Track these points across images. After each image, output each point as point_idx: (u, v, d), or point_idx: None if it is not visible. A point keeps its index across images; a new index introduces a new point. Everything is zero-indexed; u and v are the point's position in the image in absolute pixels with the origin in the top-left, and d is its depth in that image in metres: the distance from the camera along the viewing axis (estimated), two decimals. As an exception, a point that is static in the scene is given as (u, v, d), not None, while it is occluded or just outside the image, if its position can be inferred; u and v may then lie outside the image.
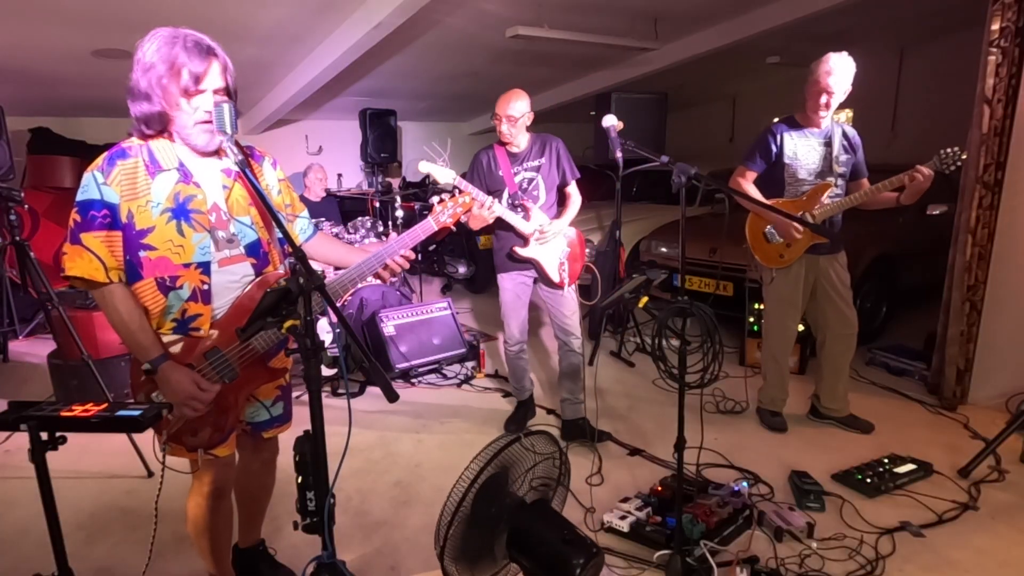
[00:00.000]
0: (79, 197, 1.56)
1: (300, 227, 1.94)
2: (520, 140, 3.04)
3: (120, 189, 1.56)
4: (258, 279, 1.73)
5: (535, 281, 3.19)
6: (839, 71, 2.86)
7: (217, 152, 1.67)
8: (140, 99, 1.55)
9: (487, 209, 2.72)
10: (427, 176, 3.08)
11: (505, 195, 3.05)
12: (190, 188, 1.63)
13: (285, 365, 1.92)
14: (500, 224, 3.04)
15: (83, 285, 1.60)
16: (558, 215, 3.12)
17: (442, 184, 2.74)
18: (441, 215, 1.97)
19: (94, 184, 1.55)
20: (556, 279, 3.09)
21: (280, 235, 1.72)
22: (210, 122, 1.57)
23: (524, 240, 3.03)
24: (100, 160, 1.58)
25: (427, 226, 1.92)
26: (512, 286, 3.18)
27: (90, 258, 1.56)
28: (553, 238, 3.04)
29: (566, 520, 1.82)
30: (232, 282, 1.70)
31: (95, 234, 1.55)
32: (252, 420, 1.89)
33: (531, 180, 3.08)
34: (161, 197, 1.59)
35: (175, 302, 1.63)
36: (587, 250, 3.50)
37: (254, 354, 1.70)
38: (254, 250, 1.74)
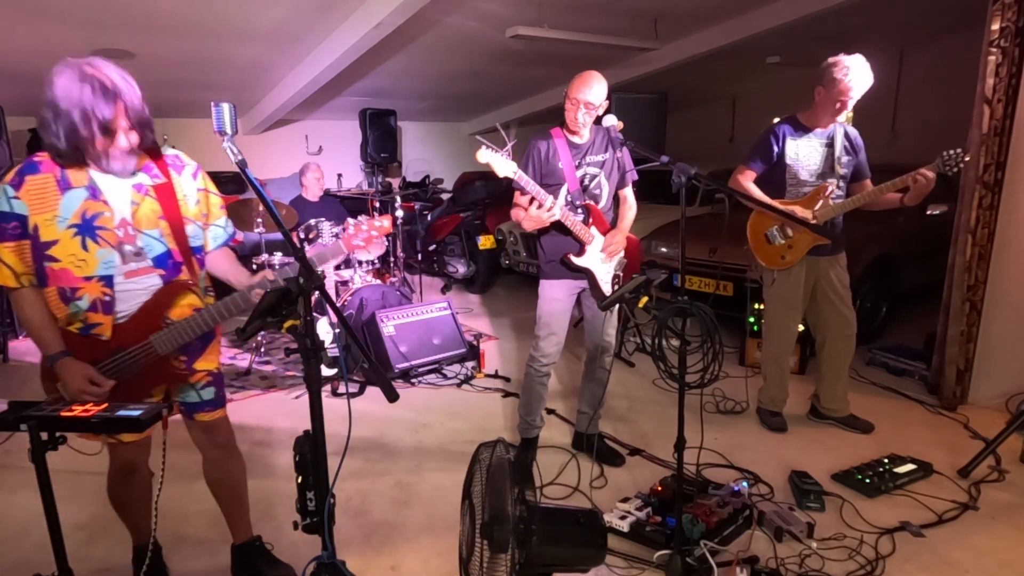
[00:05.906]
0: None
1: (213, 235, 1.97)
2: (585, 130, 2.74)
3: (29, 201, 1.65)
4: (166, 285, 1.80)
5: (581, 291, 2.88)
6: (864, 77, 2.84)
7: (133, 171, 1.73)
8: (51, 136, 1.60)
9: (547, 211, 2.48)
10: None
11: (563, 192, 2.66)
12: (98, 205, 1.70)
13: (209, 367, 1.96)
14: (553, 225, 2.71)
15: None
16: (613, 222, 2.85)
17: (500, 176, 2.47)
18: (354, 239, 1.92)
19: (4, 198, 1.64)
20: (608, 293, 2.78)
21: (202, 244, 1.90)
22: (128, 150, 1.64)
23: (579, 247, 2.72)
24: (11, 174, 1.67)
25: (338, 250, 1.89)
26: (563, 295, 2.81)
27: (1, 267, 1.67)
28: (620, 250, 2.78)
29: (557, 508, 1.84)
30: (138, 291, 1.78)
31: (6, 244, 1.66)
32: (183, 400, 1.98)
33: (593, 177, 2.76)
34: (68, 213, 1.67)
35: (75, 311, 1.73)
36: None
37: (155, 355, 1.77)
38: (162, 262, 1.81)
